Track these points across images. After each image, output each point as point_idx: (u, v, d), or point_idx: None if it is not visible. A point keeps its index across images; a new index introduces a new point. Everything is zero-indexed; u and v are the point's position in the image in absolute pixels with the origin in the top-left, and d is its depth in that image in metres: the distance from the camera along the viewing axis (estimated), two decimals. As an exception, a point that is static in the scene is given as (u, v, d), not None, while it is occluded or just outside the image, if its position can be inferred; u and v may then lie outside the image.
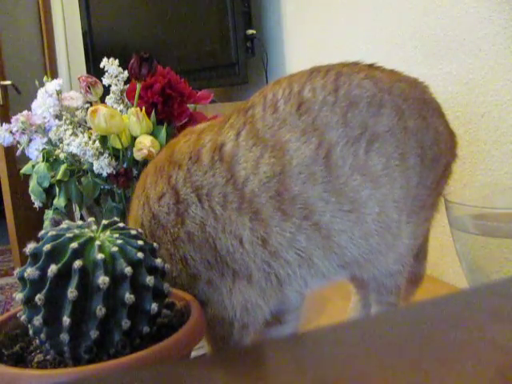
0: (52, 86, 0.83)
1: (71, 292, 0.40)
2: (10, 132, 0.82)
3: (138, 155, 0.75)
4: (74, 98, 0.85)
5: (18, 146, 0.85)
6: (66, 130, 0.79)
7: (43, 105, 0.82)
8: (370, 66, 0.58)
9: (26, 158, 0.85)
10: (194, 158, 0.53)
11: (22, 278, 0.42)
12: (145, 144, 0.75)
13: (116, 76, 0.83)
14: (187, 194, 0.52)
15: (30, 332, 0.43)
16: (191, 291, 0.52)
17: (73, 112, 0.84)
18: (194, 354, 0.52)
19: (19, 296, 0.42)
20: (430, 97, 0.60)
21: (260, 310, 0.54)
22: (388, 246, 0.56)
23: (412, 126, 0.55)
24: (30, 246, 0.43)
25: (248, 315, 0.54)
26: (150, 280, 0.43)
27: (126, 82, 0.85)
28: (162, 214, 0.53)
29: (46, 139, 0.82)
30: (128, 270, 0.42)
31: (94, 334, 0.41)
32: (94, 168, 0.75)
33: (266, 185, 0.50)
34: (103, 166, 0.75)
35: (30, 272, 0.41)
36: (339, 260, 0.54)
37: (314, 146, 0.51)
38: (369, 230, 0.53)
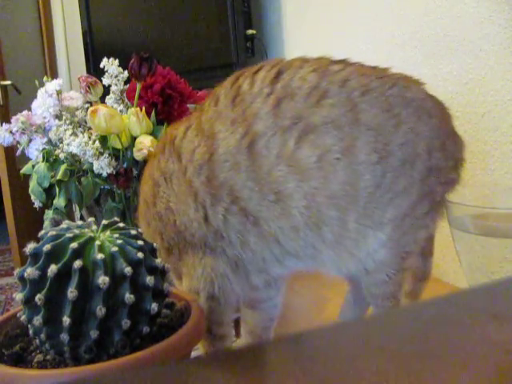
0: (52, 86, 0.83)
1: (71, 292, 0.40)
2: (10, 132, 0.82)
3: (138, 155, 0.76)
4: (74, 98, 0.85)
5: (18, 145, 0.85)
6: (66, 130, 0.79)
7: (43, 105, 0.82)
8: (341, 61, 0.56)
9: (26, 158, 0.85)
10: (161, 149, 0.59)
11: (21, 278, 0.42)
12: (145, 144, 0.75)
13: (116, 76, 0.83)
14: (158, 177, 0.58)
15: (30, 332, 0.43)
16: (169, 264, 0.55)
17: (73, 112, 0.84)
18: (193, 354, 0.52)
19: (19, 296, 0.42)
20: (416, 96, 0.56)
21: (227, 281, 0.56)
22: (330, 244, 0.54)
23: (368, 120, 0.52)
24: (30, 246, 0.43)
25: (212, 285, 0.56)
26: (150, 280, 0.43)
27: (126, 82, 0.85)
28: (147, 196, 0.60)
29: (45, 139, 0.82)
30: (128, 269, 0.42)
31: (93, 333, 0.41)
32: (94, 168, 0.75)
33: (198, 171, 0.54)
34: (103, 166, 0.75)
35: (30, 272, 0.41)
36: (281, 249, 0.54)
37: (240, 135, 0.52)
38: (297, 223, 0.53)
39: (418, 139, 0.54)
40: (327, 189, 0.52)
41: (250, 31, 1.58)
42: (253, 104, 0.53)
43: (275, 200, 0.52)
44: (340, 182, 0.52)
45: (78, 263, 0.41)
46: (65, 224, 0.46)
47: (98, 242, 0.43)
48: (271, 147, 0.52)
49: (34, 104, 0.84)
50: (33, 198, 0.82)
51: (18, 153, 0.86)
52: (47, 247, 0.42)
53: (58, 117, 0.83)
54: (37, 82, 0.88)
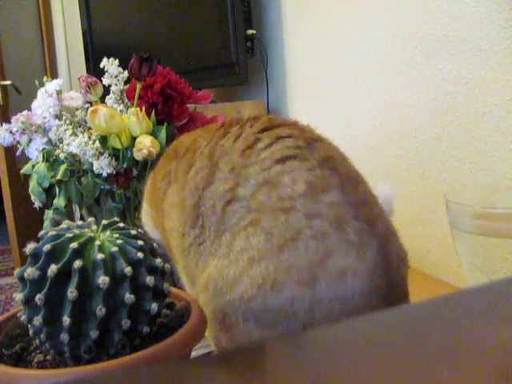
0: (52, 86, 0.83)
1: (71, 292, 0.40)
2: (10, 132, 0.82)
3: (138, 155, 0.75)
4: (74, 98, 0.85)
5: (18, 145, 0.85)
6: (65, 130, 0.79)
7: (43, 105, 0.82)
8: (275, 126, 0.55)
9: (26, 158, 0.85)
10: None
11: (21, 278, 0.42)
12: (145, 144, 0.75)
13: (116, 76, 0.83)
14: None
15: (30, 332, 0.43)
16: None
17: (73, 112, 0.84)
18: (193, 354, 0.52)
19: (19, 296, 0.42)
20: (259, 158, 0.50)
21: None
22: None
23: (196, 171, 0.55)
24: (30, 246, 0.43)
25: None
26: (149, 280, 0.43)
27: (126, 82, 0.85)
28: None
29: (45, 139, 0.82)
30: (128, 269, 0.42)
31: (94, 333, 0.41)
32: (94, 168, 0.75)
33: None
34: (103, 166, 0.75)
35: (30, 272, 0.41)
36: None
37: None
38: None
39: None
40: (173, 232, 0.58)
41: (250, 31, 1.58)
42: (200, 148, 0.58)
43: None
44: (177, 226, 0.57)
45: (77, 263, 0.41)
46: (65, 224, 0.46)
47: (98, 242, 0.43)
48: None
49: (34, 104, 0.84)
50: (33, 198, 0.82)
51: (18, 153, 0.86)
52: (47, 247, 0.42)
53: (58, 117, 0.83)
54: (37, 82, 0.88)
